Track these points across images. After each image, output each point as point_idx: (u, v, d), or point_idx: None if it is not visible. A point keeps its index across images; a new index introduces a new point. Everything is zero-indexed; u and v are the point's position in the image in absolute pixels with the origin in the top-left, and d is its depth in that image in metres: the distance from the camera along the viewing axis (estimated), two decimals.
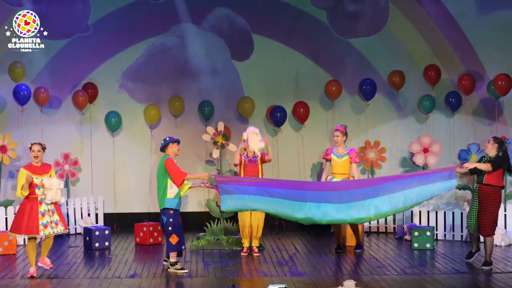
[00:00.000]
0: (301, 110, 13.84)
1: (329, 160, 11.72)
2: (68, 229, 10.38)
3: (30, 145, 10.11)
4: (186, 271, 10.28)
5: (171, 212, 10.20)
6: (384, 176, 10.92)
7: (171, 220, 10.20)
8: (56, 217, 10.00)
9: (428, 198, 9.94)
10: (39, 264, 10.13)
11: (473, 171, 10.69)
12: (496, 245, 11.75)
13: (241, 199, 9.78)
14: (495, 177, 10.32)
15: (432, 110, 13.81)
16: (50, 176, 10.02)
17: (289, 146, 14.05)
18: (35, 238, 10.04)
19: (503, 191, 10.76)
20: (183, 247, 10.38)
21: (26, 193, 9.83)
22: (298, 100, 13.93)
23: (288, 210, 9.71)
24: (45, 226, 9.89)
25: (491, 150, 10.42)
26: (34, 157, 9.98)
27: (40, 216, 9.87)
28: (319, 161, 13.93)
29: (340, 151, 11.65)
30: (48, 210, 9.94)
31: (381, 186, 9.76)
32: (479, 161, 10.63)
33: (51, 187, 9.87)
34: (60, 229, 10.03)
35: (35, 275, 9.99)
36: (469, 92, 13.70)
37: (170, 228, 10.21)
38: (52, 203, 9.96)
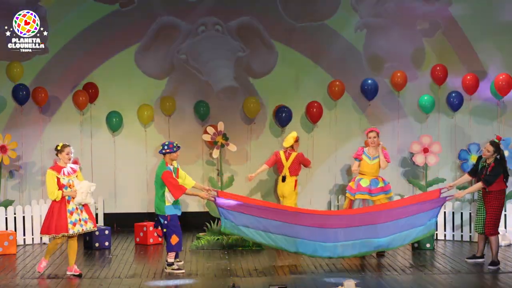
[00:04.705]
0: (314, 110, 13.84)
1: (359, 160, 11.70)
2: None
3: (60, 147, 10.06)
4: (183, 271, 10.28)
5: (166, 215, 10.24)
6: (377, 210, 10.76)
7: (166, 222, 10.23)
8: (85, 215, 10.08)
9: (409, 243, 10.73)
10: (68, 273, 10.12)
11: (473, 175, 10.74)
12: None
13: (240, 229, 10.42)
14: (496, 183, 10.40)
15: (432, 110, 13.81)
16: (77, 177, 10.11)
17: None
18: (61, 238, 10.02)
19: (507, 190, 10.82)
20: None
21: (60, 194, 9.89)
22: (300, 100, 13.96)
23: (282, 244, 10.46)
24: (74, 224, 9.96)
25: (490, 158, 10.49)
26: (69, 158, 10.07)
27: (68, 214, 9.93)
28: (322, 160, 13.95)
29: (372, 153, 11.60)
30: (77, 208, 10.01)
31: (371, 228, 10.35)
32: (477, 162, 10.70)
33: (82, 189, 9.96)
34: (89, 226, 10.11)
35: (41, 272, 10.08)
36: (471, 92, 13.68)
37: (165, 230, 10.25)
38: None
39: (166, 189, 10.17)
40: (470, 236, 12.50)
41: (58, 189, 9.91)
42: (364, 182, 11.51)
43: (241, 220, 10.35)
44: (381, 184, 11.50)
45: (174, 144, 10.30)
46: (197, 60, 14.06)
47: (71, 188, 9.99)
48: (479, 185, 10.47)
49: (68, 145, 10.13)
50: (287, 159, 12.60)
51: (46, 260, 10.22)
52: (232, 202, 10.44)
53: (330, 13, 14.10)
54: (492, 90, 13.58)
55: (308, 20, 14.09)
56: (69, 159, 10.10)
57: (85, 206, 10.12)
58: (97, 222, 13.57)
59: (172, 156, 10.28)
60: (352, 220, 10.53)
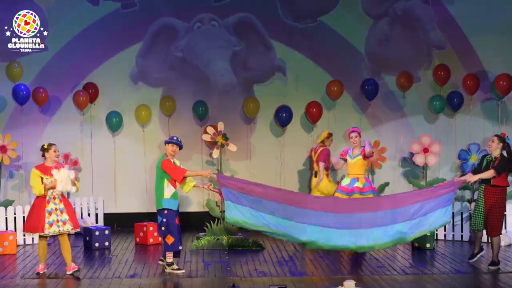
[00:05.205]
0: (314, 110, 13.84)
1: (344, 160, 11.79)
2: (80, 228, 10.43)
3: (46, 145, 10.05)
4: (183, 271, 10.27)
5: (166, 212, 10.22)
6: (389, 196, 10.65)
7: (164, 220, 10.22)
8: (64, 216, 9.97)
9: (426, 231, 9.87)
10: (68, 273, 10.09)
11: (477, 173, 10.68)
12: None
13: (245, 213, 9.47)
14: (501, 178, 10.36)
15: (442, 111, 13.82)
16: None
17: (296, 146, 14.06)
18: (46, 237, 10.06)
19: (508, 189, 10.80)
20: (180, 248, 10.37)
21: (43, 187, 9.82)
22: (300, 100, 13.97)
23: (292, 231, 9.47)
24: (51, 225, 9.87)
25: (496, 150, 10.43)
26: (57, 156, 10.04)
27: (46, 214, 9.86)
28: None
29: (355, 152, 11.67)
30: (56, 209, 9.93)
31: (384, 213, 9.63)
32: (482, 160, 10.64)
33: (60, 178, 9.85)
34: (67, 228, 9.99)
35: (41, 273, 10.07)
36: (472, 92, 13.69)
37: (163, 228, 10.23)
38: (62, 202, 9.97)
39: (165, 182, 10.20)
40: (470, 236, 12.50)
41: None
42: (345, 181, 11.61)
43: (245, 202, 9.48)
44: (358, 184, 11.44)
45: (174, 138, 10.40)
46: (194, 54, 14.03)
47: (52, 189, 9.90)
48: (491, 172, 10.33)
49: (54, 144, 10.09)
50: (315, 154, 13.03)
51: (42, 263, 10.20)
52: (236, 180, 9.91)
53: (330, 12, 14.12)
54: (492, 90, 13.58)
55: (308, 20, 14.09)
56: (57, 157, 10.05)
57: (67, 207, 10.01)
58: (97, 222, 13.60)
59: (169, 148, 10.33)
60: (366, 206, 9.79)
